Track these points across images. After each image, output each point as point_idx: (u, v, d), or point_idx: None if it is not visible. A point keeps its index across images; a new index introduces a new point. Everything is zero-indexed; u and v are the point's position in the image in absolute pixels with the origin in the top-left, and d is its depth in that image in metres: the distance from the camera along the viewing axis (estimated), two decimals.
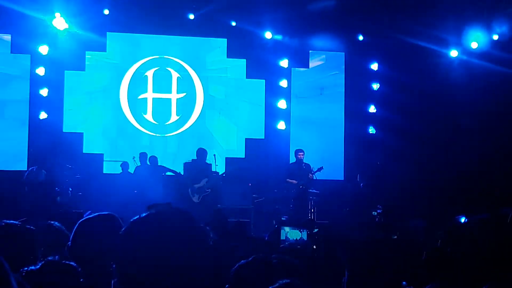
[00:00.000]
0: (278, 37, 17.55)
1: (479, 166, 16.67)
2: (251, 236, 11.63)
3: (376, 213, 14.23)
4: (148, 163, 15.65)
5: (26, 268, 3.54)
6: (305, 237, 8.96)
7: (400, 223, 12.25)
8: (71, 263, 3.79)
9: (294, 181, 15.67)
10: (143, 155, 15.70)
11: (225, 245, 7.62)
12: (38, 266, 3.66)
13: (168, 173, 15.73)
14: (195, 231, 2.77)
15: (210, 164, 15.68)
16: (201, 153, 15.58)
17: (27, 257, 3.96)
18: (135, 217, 2.78)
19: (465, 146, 17.10)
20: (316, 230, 8.85)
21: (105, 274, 3.31)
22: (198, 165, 15.56)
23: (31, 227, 4.38)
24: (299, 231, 9.00)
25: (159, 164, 15.68)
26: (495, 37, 17.38)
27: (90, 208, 13.56)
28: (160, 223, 2.74)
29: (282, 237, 8.97)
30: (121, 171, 15.71)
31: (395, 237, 10.62)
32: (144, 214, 2.79)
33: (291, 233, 9.03)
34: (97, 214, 4.37)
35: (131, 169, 15.73)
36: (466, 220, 14.31)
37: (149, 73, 17.24)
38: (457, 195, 15.54)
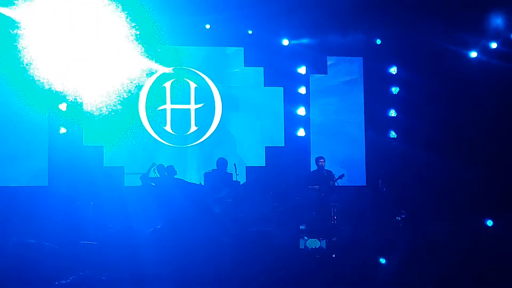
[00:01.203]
0: (295, 43, 17.46)
1: (503, 169, 16.50)
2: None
3: (400, 218, 14.09)
4: (166, 174, 15.62)
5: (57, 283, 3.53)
6: (324, 246, 8.86)
7: (424, 227, 12.12)
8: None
9: (317, 186, 15.56)
10: (160, 167, 15.67)
11: None
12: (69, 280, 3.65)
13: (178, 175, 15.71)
14: None
15: (231, 174, 15.61)
16: (221, 163, 15.54)
17: None
18: None
19: (487, 148, 16.93)
20: (334, 239, 8.75)
21: None
22: (219, 175, 15.50)
23: None
24: (318, 239, 8.90)
25: (175, 176, 15.62)
26: None
27: (111, 222, 13.66)
28: None
29: (301, 246, 8.87)
30: (141, 184, 15.67)
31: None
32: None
33: (310, 242, 8.93)
34: None
35: (151, 181, 15.68)
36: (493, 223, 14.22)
37: (167, 84, 17.22)
38: (482, 198, 15.38)
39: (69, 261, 8.34)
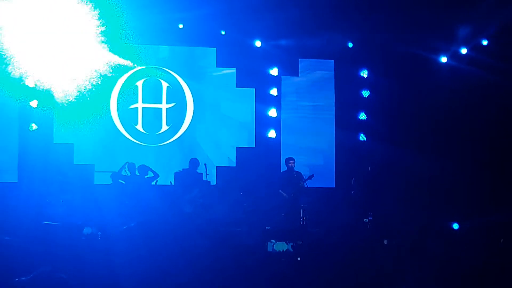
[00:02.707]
0: (267, 45, 17.55)
1: (471, 171, 16.70)
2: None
3: (367, 220, 14.23)
4: (137, 173, 15.65)
5: (17, 279, 3.55)
6: (291, 249, 8.96)
7: (391, 229, 12.26)
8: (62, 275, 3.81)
9: (285, 194, 15.64)
10: (131, 166, 15.70)
11: None
12: (29, 277, 3.66)
13: (149, 174, 15.71)
14: None
15: (201, 174, 15.66)
16: (193, 163, 15.62)
17: None
18: None
19: (456, 151, 17.13)
20: (300, 242, 8.86)
21: None
22: (190, 174, 15.56)
23: None
24: (286, 243, 9.00)
25: (146, 176, 15.67)
26: (485, 42, 17.48)
27: (81, 219, 13.63)
28: None
29: (269, 249, 8.96)
30: (111, 182, 15.68)
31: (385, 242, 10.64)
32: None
33: (277, 245, 9.03)
34: None
35: (121, 179, 15.69)
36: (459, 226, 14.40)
37: (139, 83, 17.23)
38: (449, 201, 15.56)
39: (34, 258, 8.34)
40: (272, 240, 9.00)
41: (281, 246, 9.02)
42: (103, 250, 8.51)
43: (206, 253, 7.75)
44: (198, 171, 15.65)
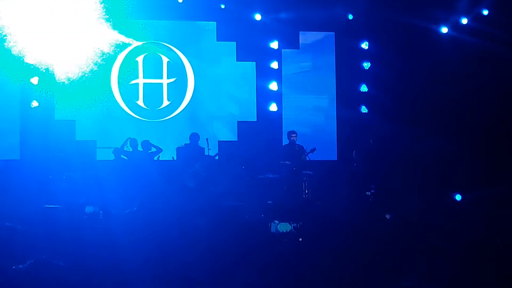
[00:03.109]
0: (267, 18, 17.47)
1: (473, 142, 16.70)
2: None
3: (369, 193, 14.24)
4: (140, 148, 15.68)
5: (14, 267, 3.55)
6: (294, 230, 9.02)
7: (394, 203, 12.27)
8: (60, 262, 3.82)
9: (288, 162, 15.66)
10: (133, 142, 15.72)
11: None
12: (26, 264, 3.67)
13: (152, 149, 15.74)
14: None
15: (203, 148, 15.68)
16: (194, 137, 15.63)
17: None
18: None
19: (458, 122, 17.12)
20: (301, 223, 8.90)
21: None
22: (191, 149, 15.58)
23: None
24: (289, 223, 9.05)
25: (150, 151, 15.70)
26: (485, 12, 17.40)
27: (84, 196, 13.66)
28: None
29: (273, 230, 9.00)
30: (114, 158, 15.71)
31: (388, 217, 10.66)
32: None
33: (281, 226, 9.08)
34: None
35: (124, 154, 15.72)
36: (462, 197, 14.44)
37: (139, 59, 17.19)
38: (452, 173, 15.57)
39: (36, 240, 8.38)
40: (276, 221, 9.03)
41: (284, 227, 9.07)
42: (105, 230, 8.56)
43: (208, 233, 7.78)
44: (200, 145, 15.67)
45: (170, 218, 8.36)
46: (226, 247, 6.88)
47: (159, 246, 7.34)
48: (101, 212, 10.80)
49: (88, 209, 11.84)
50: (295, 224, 8.95)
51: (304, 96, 17.97)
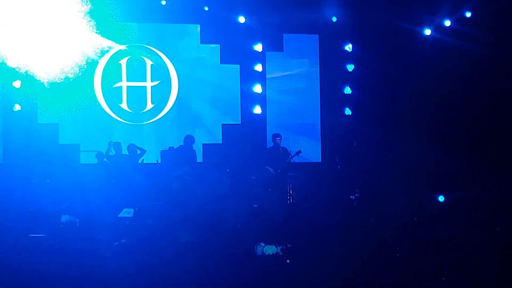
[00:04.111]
0: (251, 21, 17.46)
1: (456, 145, 16.76)
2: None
3: (354, 197, 14.23)
4: (127, 152, 15.63)
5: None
6: (280, 252, 9.01)
7: (377, 206, 12.28)
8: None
9: (271, 170, 15.64)
10: (117, 145, 15.67)
11: None
12: None
13: (138, 151, 15.69)
14: None
15: (195, 152, 15.66)
16: (188, 139, 15.58)
17: None
18: None
19: (442, 125, 17.17)
20: (289, 245, 8.89)
21: None
22: (184, 151, 15.52)
23: None
24: (275, 246, 9.04)
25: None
26: (468, 14, 17.47)
27: (68, 201, 13.61)
28: None
29: (259, 253, 8.99)
30: (97, 161, 15.65)
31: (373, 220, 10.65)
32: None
33: (267, 249, 9.06)
34: None
35: (107, 159, 15.66)
36: (444, 199, 14.48)
37: (123, 62, 17.13)
38: (435, 175, 15.60)
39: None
40: (262, 244, 9.04)
41: (270, 249, 9.07)
42: (87, 236, 8.53)
43: (192, 237, 7.76)
44: (194, 148, 15.67)
45: (155, 224, 8.33)
46: (212, 254, 6.87)
47: (143, 253, 7.31)
48: (77, 220, 10.76)
49: (64, 218, 11.79)
50: (281, 247, 8.96)
51: (288, 99, 17.96)
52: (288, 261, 8.76)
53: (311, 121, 18.08)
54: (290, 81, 18.08)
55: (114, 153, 15.67)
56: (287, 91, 18.01)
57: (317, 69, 18.17)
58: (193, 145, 15.76)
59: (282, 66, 18.04)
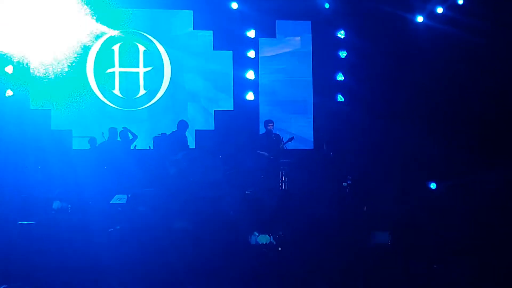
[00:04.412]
0: (244, 7, 17.42)
1: (450, 131, 16.80)
2: None
3: (346, 184, 14.29)
4: (119, 138, 15.61)
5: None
6: (274, 241, 9.06)
7: (369, 194, 12.34)
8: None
9: (265, 153, 15.67)
10: (112, 130, 15.64)
11: None
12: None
13: (130, 136, 15.68)
14: None
15: (186, 137, 15.65)
16: (182, 125, 15.53)
17: None
18: None
19: (434, 111, 17.20)
20: (280, 233, 8.94)
21: None
22: (177, 136, 15.50)
23: None
24: (268, 235, 9.09)
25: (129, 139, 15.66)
26: (460, 1, 17.48)
27: (60, 187, 13.64)
28: None
29: (253, 242, 9.04)
30: (89, 147, 15.64)
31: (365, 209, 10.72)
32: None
33: (261, 238, 9.11)
34: None
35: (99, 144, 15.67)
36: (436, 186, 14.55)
37: (116, 47, 17.08)
38: (427, 162, 15.66)
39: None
40: (256, 233, 9.08)
41: (264, 239, 9.12)
42: (80, 223, 8.55)
43: (186, 232, 7.78)
44: (187, 134, 15.66)
45: (147, 210, 8.35)
46: (205, 241, 6.90)
47: (138, 242, 7.33)
48: (69, 206, 10.76)
49: (56, 204, 11.80)
50: (274, 235, 9.01)
51: (281, 85, 17.98)
52: (279, 248, 8.82)
53: (304, 107, 18.10)
54: (281, 60, 18.07)
55: (106, 138, 15.65)
56: (278, 70, 18.02)
57: (309, 55, 18.16)
58: (187, 131, 15.72)
59: (274, 49, 18.04)
